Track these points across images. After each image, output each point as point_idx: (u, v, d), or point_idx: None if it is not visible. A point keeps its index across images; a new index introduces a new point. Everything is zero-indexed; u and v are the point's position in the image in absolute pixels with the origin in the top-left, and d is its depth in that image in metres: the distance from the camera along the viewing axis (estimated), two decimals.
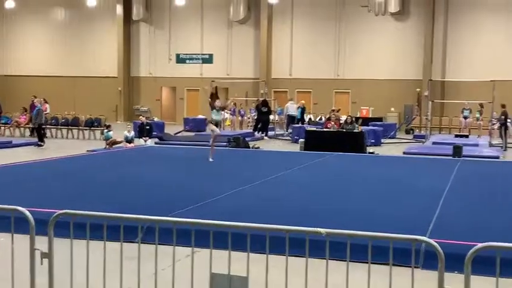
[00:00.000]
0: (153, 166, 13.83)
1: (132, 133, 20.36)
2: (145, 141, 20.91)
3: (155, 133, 23.19)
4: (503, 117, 22.02)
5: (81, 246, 4.52)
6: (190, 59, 36.97)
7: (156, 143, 21.47)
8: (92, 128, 25.09)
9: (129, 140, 19.80)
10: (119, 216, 4.55)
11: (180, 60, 37.19)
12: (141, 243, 4.62)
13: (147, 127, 21.61)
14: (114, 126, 22.45)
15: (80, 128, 25.44)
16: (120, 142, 19.96)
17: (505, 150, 20.78)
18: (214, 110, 14.60)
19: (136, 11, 37.05)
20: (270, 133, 26.80)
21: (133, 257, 4.50)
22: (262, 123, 26.56)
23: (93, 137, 24.46)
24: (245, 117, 31.02)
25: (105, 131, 20.87)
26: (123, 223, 4.48)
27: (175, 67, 37.17)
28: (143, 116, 23.46)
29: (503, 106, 22.27)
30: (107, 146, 19.70)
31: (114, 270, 4.46)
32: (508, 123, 22.32)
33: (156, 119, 29.52)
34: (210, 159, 14.54)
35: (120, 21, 37.35)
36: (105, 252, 4.44)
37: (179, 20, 36.90)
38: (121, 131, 21.21)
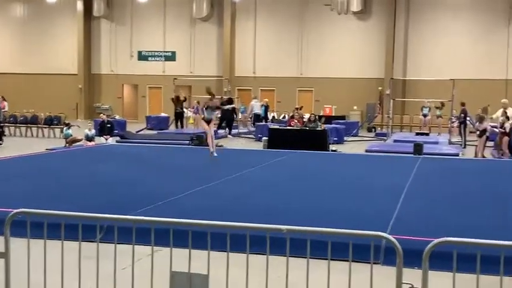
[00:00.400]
0: (113, 165, 13.66)
1: (93, 131, 20.10)
2: (106, 139, 20.65)
3: (116, 131, 22.94)
4: (462, 115, 22.41)
5: (39, 246, 4.43)
6: (152, 56, 36.68)
7: (117, 141, 21.24)
8: (52, 126, 24.71)
9: (89, 138, 19.53)
10: (77, 215, 4.47)
11: (142, 57, 36.86)
12: (101, 242, 4.56)
13: (108, 125, 21.36)
14: (74, 124, 22.12)
15: (39, 126, 25.04)
16: (80, 140, 19.68)
17: (464, 147, 21.17)
18: (208, 109, 14.93)
19: (97, 7, 36.57)
20: (234, 131, 26.77)
21: (93, 257, 4.43)
22: (227, 121, 26.46)
23: (52, 135, 24.09)
24: None
25: (65, 129, 20.55)
26: (81, 222, 4.41)
27: (137, 64, 36.83)
28: (104, 114, 23.18)
29: (462, 104, 22.67)
30: (67, 145, 19.40)
31: (73, 270, 4.39)
32: (467, 121, 22.74)
33: (117, 117, 29.21)
34: (215, 154, 14.84)
35: (81, 17, 36.82)
36: (63, 251, 4.36)
37: (141, 16, 36.56)
38: (81, 129, 20.92)
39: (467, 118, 22.66)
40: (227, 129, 26.25)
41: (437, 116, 27.60)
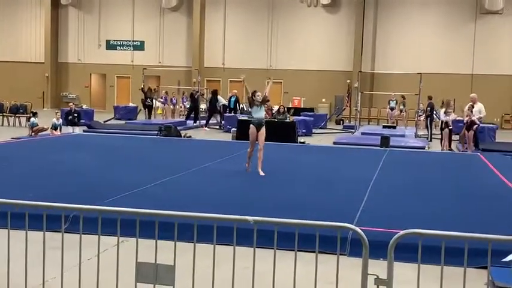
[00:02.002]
0: (80, 154, 13.49)
1: (61, 120, 19.80)
2: (73, 129, 20.40)
3: (84, 121, 22.68)
4: (429, 108, 22.69)
5: (2, 236, 4.35)
6: (120, 45, 36.28)
7: (84, 131, 20.99)
8: (18, 115, 24.33)
9: (56, 128, 19.24)
10: (42, 204, 4.40)
11: (110, 46, 36.44)
12: (66, 232, 4.50)
13: (75, 115, 21.10)
14: (40, 114, 21.81)
15: (5, 114, 24.64)
16: (46, 129, 19.38)
17: (430, 141, 21.45)
18: (254, 107, 10.97)
19: None
20: (202, 122, 26.67)
21: (58, 247, 4.37)
22: (210, 112, 26.18)
23: (18, 124, 23.72)
24: (177, 106, 30.74)
25: (32, 119, 20.21)
26: (46, 212, 4.34)
27: (106, 53, 36.41)
28: (73, 104, 22.90)
29: (429, 98, 22.95)
30: (32, 134, 19.10)
31: (37, 261, 4.32)
32: (434, 115, 23.03)
33: (85, 107, 28.87)
34: (261, 173, 10.88)
35: (48, 5, 36.23)
36: (27, 242, 4.29)
37: (109, 5, 36.12)
38: (48, 118, 20.64)
39: (434, 112, 22.95)
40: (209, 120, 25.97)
41: (400, 110, 27.93)
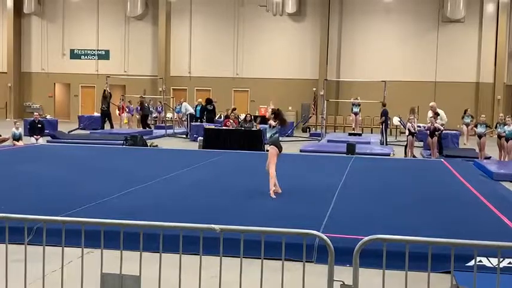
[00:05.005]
0: (44, 165, 13.29)
1: (20, 130, 19.32)
2: (36, 139, 20.07)
3: (48, 131, 22.33)
4: (383, 115, 22.98)
5: None
6: (85, 54, 35.91)
7: (48, 142, 20.69)
8: None
9: (17, 138, 18.85)
10: (4, 216, 4.32)
11: (74, 55, 36.04)
12: (30, 244, 4.42)
13: (39, 125, 20.77)
14: (3, 124, 21.40)
15: None
16: (7, 139, 18.97)
17: (382, 144, 21.81)
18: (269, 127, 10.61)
19: (28, 4, 35.50)
20: (169, 131, 26.57)
21: (21, 260, 4.29)
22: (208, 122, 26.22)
23: None
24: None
25: None
26: (8, 224, 4.26)
27: (70, 63, 35.98)
28: (38, 113, 22.52)
29: (383, 105, 23.24)
30: None
31: (0, 273, 4.24)
32: (399, 122, 23.31)
33: (48, 117, 28.46)
34: (272, 196, 9.67)
35: (11, 14, 35.70)
36: None
37: (73, 14, 35.75)
38: (10, 129, 20.27)
39: (388, 118, 23.23)
40: None
41: (355, 113, 27.92)
